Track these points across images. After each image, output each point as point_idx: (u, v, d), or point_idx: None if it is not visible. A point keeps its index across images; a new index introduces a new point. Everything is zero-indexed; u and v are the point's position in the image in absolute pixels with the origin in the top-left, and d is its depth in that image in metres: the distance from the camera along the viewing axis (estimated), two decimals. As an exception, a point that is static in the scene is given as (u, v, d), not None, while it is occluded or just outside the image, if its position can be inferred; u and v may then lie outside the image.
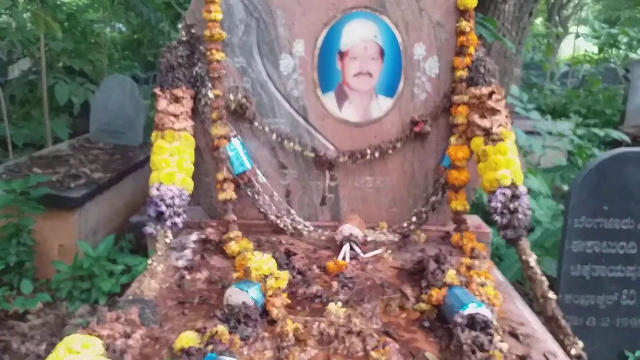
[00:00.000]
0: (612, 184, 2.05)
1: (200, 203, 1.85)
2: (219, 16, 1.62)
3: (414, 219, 1.75)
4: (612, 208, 2.05)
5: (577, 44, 9.68)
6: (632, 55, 8.33)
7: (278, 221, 1.73)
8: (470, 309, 1.07)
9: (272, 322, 1.13)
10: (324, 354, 1.03)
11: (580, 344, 1.34)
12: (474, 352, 0.98)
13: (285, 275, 1.21)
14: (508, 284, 1.44)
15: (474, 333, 1.03)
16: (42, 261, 3.02)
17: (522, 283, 2.44)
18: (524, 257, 1.47)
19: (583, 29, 9.58)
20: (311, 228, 1.75)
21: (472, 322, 1.06)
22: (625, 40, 7.85)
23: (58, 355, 0.80)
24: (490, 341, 1.01)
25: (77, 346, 0.84)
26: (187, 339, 1.01)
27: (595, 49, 8.86)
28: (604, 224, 2.08)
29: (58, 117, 5.26)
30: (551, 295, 1.41)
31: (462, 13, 1.64)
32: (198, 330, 1.06)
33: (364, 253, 1.54)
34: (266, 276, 1.19)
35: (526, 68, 9.33)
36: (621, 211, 2.05)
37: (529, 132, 3.82)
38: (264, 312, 1.17)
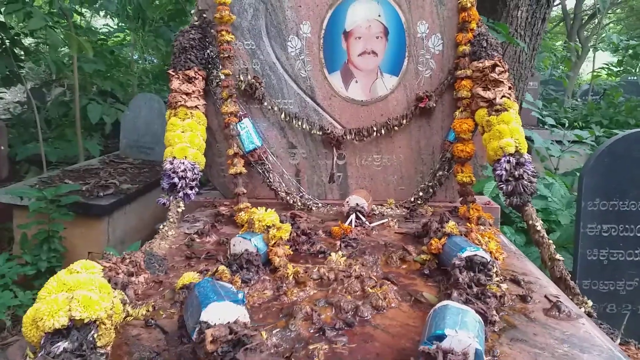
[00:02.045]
0: (626, 166, 2.02)
1: (213, 183, 1.90)
2: None
3: (420, 193, 1.76)
4: (626, 190, 2.02)
5: (597, 60, 9.61)
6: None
7: (288, 197, 1.76)
8: (469, 252, 1.08)
9: (275, 270, 1.16)
10: (323, 293, 1.05)
11: (590, 302, 1.32)
12: (470, 287, 0.98)
13: (287, 226, 1.24)
14: (514, 247, 1.44)
15: (472, 273, 1.04)
16: None
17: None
18: (530, 222, 1.47)
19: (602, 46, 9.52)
20: (320, 204, 1.78)
21: (471, 264, 1.06)
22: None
23: (59, 276, 0.84)
24: (488, 277, 1.01)
25: (77, 267, 0.88)
26: (189, 277, 1.04)
27: (615, 63, 8.77)
28: (619, 206, 2.04)
29: (91, 136, 5.47)
30: (558, 256, 1.40)
31: (463, -11, 1.68)
32: (200, 272, 1.09)
33: (370, 223, 1.56)
34: (269, 227, 1.22)
35: (545, 84, 9.28)
36: (637, 193, 2.02)
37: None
38: (267, 262, 1.19)
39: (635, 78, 8.82)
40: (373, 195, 1.77)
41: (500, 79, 1.60)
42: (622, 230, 2.03)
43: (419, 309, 0.99)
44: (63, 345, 0.73)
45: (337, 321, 0.90)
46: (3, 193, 3.31)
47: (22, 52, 4.61)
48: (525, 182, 1.49)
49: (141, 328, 0.91)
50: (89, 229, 3.24)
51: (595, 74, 9.64)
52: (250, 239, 1.18)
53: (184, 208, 1.55)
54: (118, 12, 5.94)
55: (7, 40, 3.71)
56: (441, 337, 0.71)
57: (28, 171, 5.07)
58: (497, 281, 1.04)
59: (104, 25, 7.52)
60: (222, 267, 1.07)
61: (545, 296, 1.05)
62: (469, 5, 1.67)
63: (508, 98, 1.59)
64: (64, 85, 6.81)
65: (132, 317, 0.94)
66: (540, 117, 4.33)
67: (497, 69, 1.62)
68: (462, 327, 0.72)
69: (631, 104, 6.96)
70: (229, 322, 0.77)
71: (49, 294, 0.79)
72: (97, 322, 0.77)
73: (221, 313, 0.78)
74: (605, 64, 9.06)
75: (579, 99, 9.54)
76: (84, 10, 6.18)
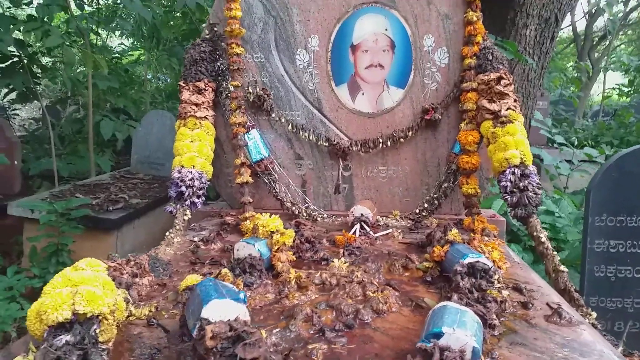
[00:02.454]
0: (634, 181, 2.01)
1: (221, 193, 1.93)
2: (239, 13, 1.75)
3: (425, 205, 1.77)
4: (635, 205, 2.00)
5: (608, 81, 9.60)
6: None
7: (294, 208, 1.78)
8: (470, 259, 1.08)
9: (277, 275, 1.16)
10: (324, 297, 1.05)
11: (594, 314, 1.31)
12: (470, 292, 0.98)
13: (290, 232, 1.25)
14: (518, 258, 1.43)
15: (473, 279, 1.04)
16: None
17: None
18: (535, 234, 1.47)
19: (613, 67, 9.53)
20: (325, 215, 1.79)
21: (473, 270, 1.06)
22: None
23: (64, 272, 0.86)
24: (490, 283, 1.01)
25: (82, 264, 0.89)
26: (192, 279, 1.05)
27: (626, 83, 8.75)
28: (627, 222, 2.03)
29: (102, 152, 5.56)
30: (562, 268, 1.39)
31: (469, 4, 1.71)
32: (204, 275, 1.11)
33: (374, 233, 1.56)
34: (273, 232, 1.23)
35: (555, 104, 9.27)
36: (644, 208, 2.00)
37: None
38: (270, 267, 1.20)
39: (645, 98, 8.78)
40: (378, 207, 1.78)
41: (506, 92, 1.62)
42: (630, 246, 2.01)
43: (419, 314, 0.99)
44: (65, 338, 0.74)
45: (337, 323, 0.91)
46: (15, 206, 3.37)
47: (39, 70, 4.72)
48: (530, 194, 1.49)
49: (143, 327, 0.92)
50: (98, 243, 3.27)
51: (606, 94, 9.62)
52: (253, 244, 1.19)
53: (190, 216, 1.57)
54: (133, 32, 6.08)
55: (25, 58, 3.81)
56: (439, 335, 0.72)
57: (40, 186, 5.15)
58: (499, 288, 1.04)
59: (119, 44, 7.70)
60: (224, 270, 1.08)
61: (547, 303, 1.04)
62: (474, 19, 1.70)
63: (513, 110, 1.60)
64: (77, 102, 6.95)
65: (135, 317, 0.95)
66: (549, 135, 4.32)
67: (502, 81, 1.63)
68: (460, 326, 0.73)
69: (642, 124, 6.93)
70: (229, 320, 0.78)
71: (53, 288, 0.81)
72: (100, 317, 0.79)
73: (222, 310, 0.79)
74: (616, 85, 9.04)
75: (589, 120, 9.51)
76: (100, 29, 6.33)
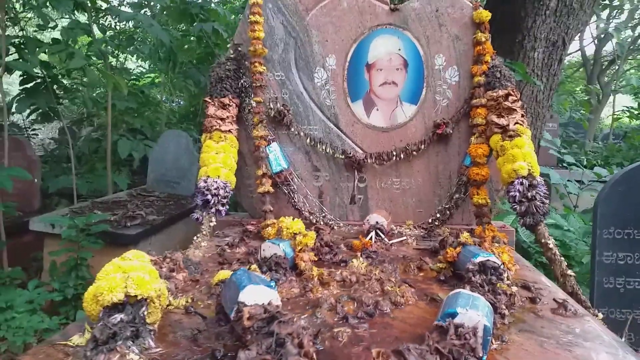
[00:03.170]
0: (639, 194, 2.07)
1: (242, 203, 2.02)
2: (262, 34, 1.87)
3: (438, 215, 1.85)
4: (641, 218, 2.06)
5: (618, 104, 9.65)
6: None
7: (311, 217, 1.87)
8: (482, 258, 1.16)
9: (301, 273, 1.25)
10: (346, 292, 1.14)
11: (600, 315, 1.38)
12: (482, 285, 1.06)
13: (312, 234, 1.34)
14: (527, 262, 1.50)
15: (484, 276, 1.12)
16: None
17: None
18: (543, 241, 1.54)
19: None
20: (341, 224, 1.88)
21: (484, 268, 1.14)
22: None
23: (114, 261, 0.96)
24: (500, 280, 1.09)
25: (129, 255, 0.99)
26: (224, 274, 1.14)
27: (636, 105, 8.81)
28: (635, 234, 2.08)
29: (119, 170, 5.70)
30: (570, 272, 1.46)
31: (478, 26, 1.82)
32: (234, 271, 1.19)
33: (389, 240, 1.64)
34: (296, 234, 1.32)
35: (565, 126, 9.34)
36: (653, 221, 2.06)
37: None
38: (294, 267, 1.29)
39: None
40: (392, 217, 1.86)
41: (514, 107, 1.71)
42: (637, 258, 2.07)
43: (434, 306, 1.07)
44: (119, 316, 0.84)
45: (359, 312, 0.99)
46: (37, 221, 3.48)
47: (62, 91, 4.88)
48: (538, 203, 1.57)
49: (182, 315, 1.01)
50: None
51: (615, 117, 9.67)
52: (279, 244, 1.28)
53: (215, 223, 1.66)
54: (150, 55, 6.28)
55: (48, 79, 3.97)
56: (453, 315, 0.80)
57: (58, 203, 5.29)
58: (508, 284, 1.11)
59: (137, 66, 7.95)
60: (254, 266, 1.17)
61: (554, 299, 1.12)
62: (483, 39, 1.81)
63: (521, 124, 1.69)
64: (93, 123, 7.16)
65: (174, 307, 1.04)
66: (558, 155, 4.39)
67: (510, 97, 1.73)
68: (473, 307, 0.81)
69: (652, 146, 6.97)
70: (263, 303, 0.87)
71: (106, 275, 0.90)
72: (148, 300, 0.88)
73: (256, 295, 0.88)
74: (626, 107, 9.10)
75: (600, 142, 9.55)
76: (119, 52, 6.55)
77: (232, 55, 1.92)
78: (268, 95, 1.94)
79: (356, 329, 0.93)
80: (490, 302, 0.93)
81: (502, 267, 1.14)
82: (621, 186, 2.08)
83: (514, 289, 1.11)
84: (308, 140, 1.91)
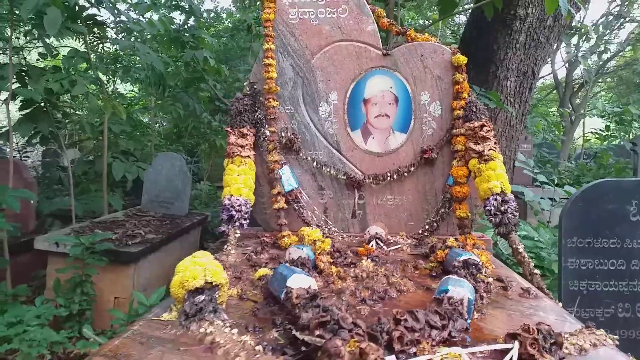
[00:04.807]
0: (597, 209, 2.41)
1: (257, 218, 2.32)
2: (274, 75, 2.20)
3: (426, 227, 2.18)
4: (599, 229, 2.40)
5: (588, 125, 10.24)
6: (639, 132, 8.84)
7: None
8: (465, 257, 1.48)
9: (321, 272, 1.55)
10: (360, 284, 1.44)
11: (560, 304, 1.70)
12: (465, 277, 1.38)
13: (328, 240, 1.65)
14: (501, 263, 1.83)
15: (467, 270, 1.44)
16: (98, 312, 3.38)
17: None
18: (514, 247, 1.87)
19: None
20: (344, 236, 2.19)
21: (466, 265, 1.46)
22: (629, 118, 8.38)
23: (189, 258, 1.25)
24: (479, 271, 1.42)
25: (199, 254, 1.28)
26: (263, 271, 1.44)
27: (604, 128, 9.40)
28: (594, 243, 2.41)
29: (113, 192, 5.89)
30: (536, 271, 1.79)
31: (457, 68, 2.18)
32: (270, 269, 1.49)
33: (387, 247, 1.96)
34: (315, 240, 1.63)
35: (539, 146, 9.85)
36: (607, 232, 2.40)
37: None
38: (314, 267, 1.59)
39: (622, 142, 9.42)
40: (388, 229, 2.18)
41: (487, 136, 2.06)
42: (597, 264, 2.39)
43: (430, 293, 1.38)
44: (202, 297, 1.13)
45: (373, 296, 1.30)
46: (42, 240, 3.66)
47: (60, 115, 5.05)
48: (510, 215, 1.90)
49: (237, 300, 1.31)
50: (117, 275, 3.56)
51: (585, 138, 10.27)
52: (302, 249, 1.58)
53: (239, 235, 1.96)
54: (141, 80, 6.55)
55: (47, 104, 4.17)
56: (446, 291, 1.12)
57: (52, 224, 5.46)
58: (485, 276, 1.44)
59: (129, 90, 8.24)
60: (286, 264, 1.47)
61: (521, 287, 1.44)
62: (461, 79, 2.16)
63: (494, 150, 2.04)
64: (79, 147, 7.36)
65: (228, 295, 1.33)
66: (532, 174, 4.78)
67: (484, 128, 2.08)
68: (460, 286, 1.13)
69: (620, 165, 7.47)
70: (305, 287, 1.17)
71: (185, 268, 1.19)
72: (219, 286, 1.17)
73: (300, 281, 1.18)
74: (594, 129, 9.70)
75: (572, 162, 10.09)
76: (111, 78, 6.79)
77: (248, 92, 2.25)
78: (280, 125, 2.26)
79: (373, 307, 1.24)
80: (472, 285, 1.25)
81: (480, 263, 1.46)
82: (580, 202, 2.42)
83: (490, 280, 1.43)
84: (314, 163, 2.23)
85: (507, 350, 0.92)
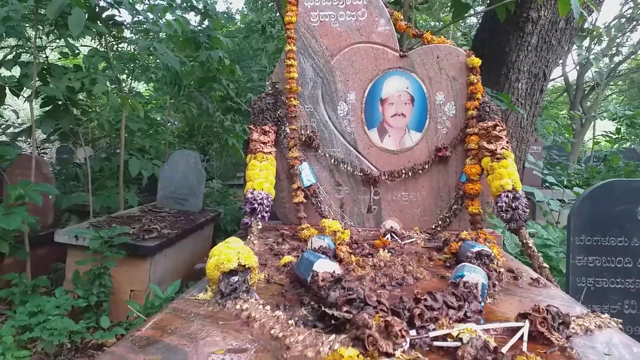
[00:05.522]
0: (604, 208, 2.49)
1: (276, 212, 2.42)
2: (296, 75, 2.30)
3: (439, 222, 2.26)
4: (606, 228, 2.47)
5: (599, 128, 10.24)
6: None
7: (335, 224, 2.27)
8: (478, 248, 1.57)
9: (341, 261, 1.65)
10: (379, 271, 1.54)
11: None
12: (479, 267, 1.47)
13: (347, 231, 1.74)
14: (511, 256, 1.91)
15: (479, 261, 1.52)
16: (115, 304, 3.50)
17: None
18: (524, 241, 1.95)
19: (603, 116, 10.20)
20: (360, 230, 2.29)
21: (479, 256, 1.55)
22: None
23: (223, 244, 1.34)
24: (491, 261, 1.50)
25: (231, 240, 1.38)
26: (288, 258, 1.54)
27: (614, 131, 9.40)
28: (602, 241, 2.49)
29: (128, 188, 6.01)
30: (545, 265, 1.87)
31: (471, 69, 2.26)
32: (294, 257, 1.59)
33: (402, 241, 2.05)
34: (335, 231, 1.72)
35: (549, 149, 9.88)
36: (615, 230, 2.47)
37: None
38: (335, 256, 1.68)
39: (632, 145, 9.43)
40: (402, 224, 2.27)
41: (500, 135, 2.14)
42: (605, 261, 2.46)
43: (445, 281, 1.47)
44: (236, 278, 1.23)
45: (392, 282, 1.39)
46: (62, 233, 3.79)
47: (79, 113, 5.18)
48: (520, 212, 1.98)
49: (265, 283, 1.40)
50: (134, 268, 3.69)
51: (596, 141, 10.27)
52: (323, 238, 1.68)
53: (261, 226, 2.06)
54: (159, 79, 6.68)
55: (67, 102, 4.30)
56: (462, 276, 1.20)
57: (68, 219, 5.60)
58: (497, 266, 1.52)
59: (146, 89, 8.39)
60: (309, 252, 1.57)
61: (531, 277, 1.53)
62: (475, 80, 2.25)
63: (506, 149, 2.12)
64: (91, 145, 7.50)
65: (257, 279, 1.43)
66: (541, 175, 4.84)
67: (497, 127, 2.16)
68: (474, 272, 1.22)
69: (629, 168, 7.49)
70: (329, 272, 1.26)
71: (220, 252, 1.29)
72: (251, 269, 1.27)
73: (325, 266, 1.28)
74: (604, 132, 9.70)
75: (582, 164, 10.10)
76: (131, 78, 6.93)
77: (270, 91, 2.35)
78: (300, 123, 2.36)
79: (392, 291, 1.33)
80: (485, 272, 1.34)
81: (492, 254, 1.55)
82: (589, 201, 2.49)
83: (502, 270, 1.52)
84: (332, 160, 2.33)
85: (519, 328, 1.01)
